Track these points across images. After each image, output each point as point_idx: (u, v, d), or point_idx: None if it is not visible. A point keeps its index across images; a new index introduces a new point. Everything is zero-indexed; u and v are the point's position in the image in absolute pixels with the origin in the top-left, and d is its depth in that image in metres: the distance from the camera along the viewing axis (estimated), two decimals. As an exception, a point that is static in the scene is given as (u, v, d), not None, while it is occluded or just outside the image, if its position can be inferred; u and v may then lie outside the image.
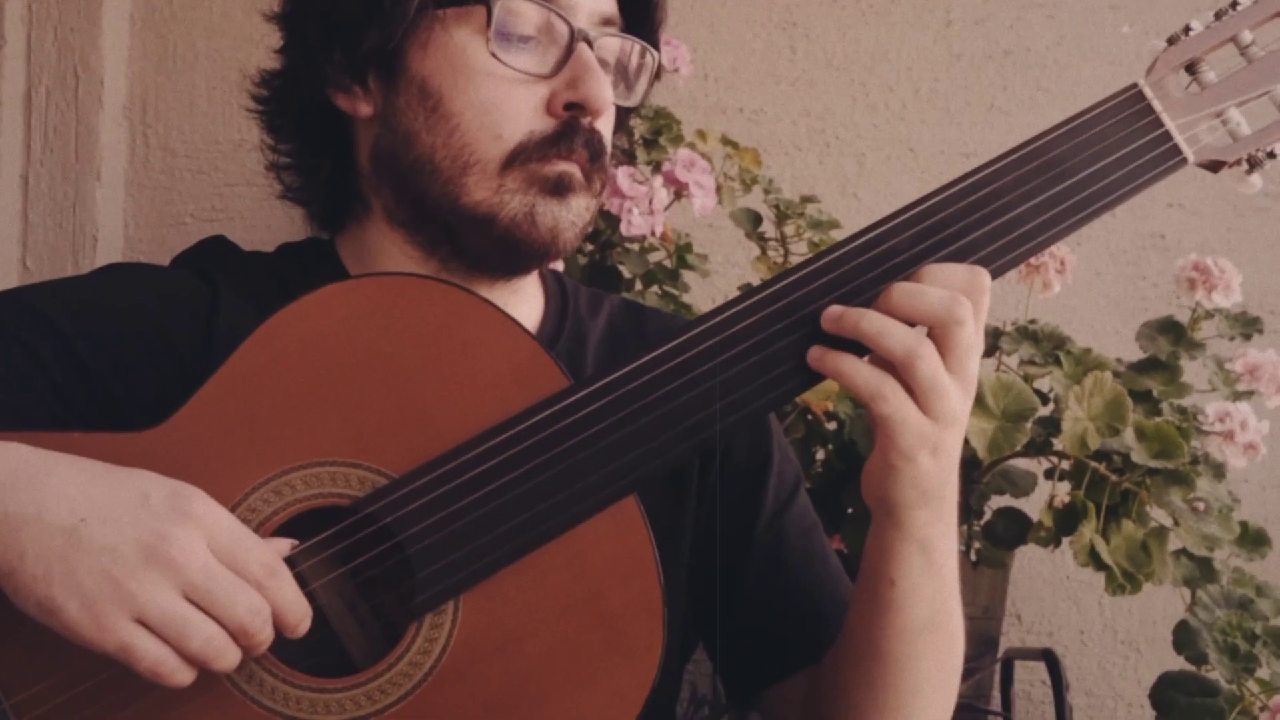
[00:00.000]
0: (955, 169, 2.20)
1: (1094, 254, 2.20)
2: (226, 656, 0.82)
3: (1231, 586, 1.72)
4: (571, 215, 1.03)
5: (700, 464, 1.12)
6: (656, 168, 1.80)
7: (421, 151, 1.02)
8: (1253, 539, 1.78)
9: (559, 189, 1.02)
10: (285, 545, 0.87)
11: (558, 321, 1.14)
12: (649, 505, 0.99)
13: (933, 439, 0.89)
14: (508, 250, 1.03)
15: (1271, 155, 1.01)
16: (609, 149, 1.09)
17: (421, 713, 0.87)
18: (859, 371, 0.89)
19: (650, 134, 1.85)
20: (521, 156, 1.01)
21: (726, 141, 1.90)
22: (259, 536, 0.85)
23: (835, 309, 0.91)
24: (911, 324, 0.89)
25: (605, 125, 1.07)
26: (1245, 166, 1.02)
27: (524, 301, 1.12)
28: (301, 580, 0.88)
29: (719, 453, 1.12)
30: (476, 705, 0.87)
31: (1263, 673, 1.65)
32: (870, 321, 0.89)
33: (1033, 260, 1.77)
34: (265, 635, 0.83)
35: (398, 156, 1.04)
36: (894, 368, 0.89)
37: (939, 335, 0.89)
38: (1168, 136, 0.96)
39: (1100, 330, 2.14)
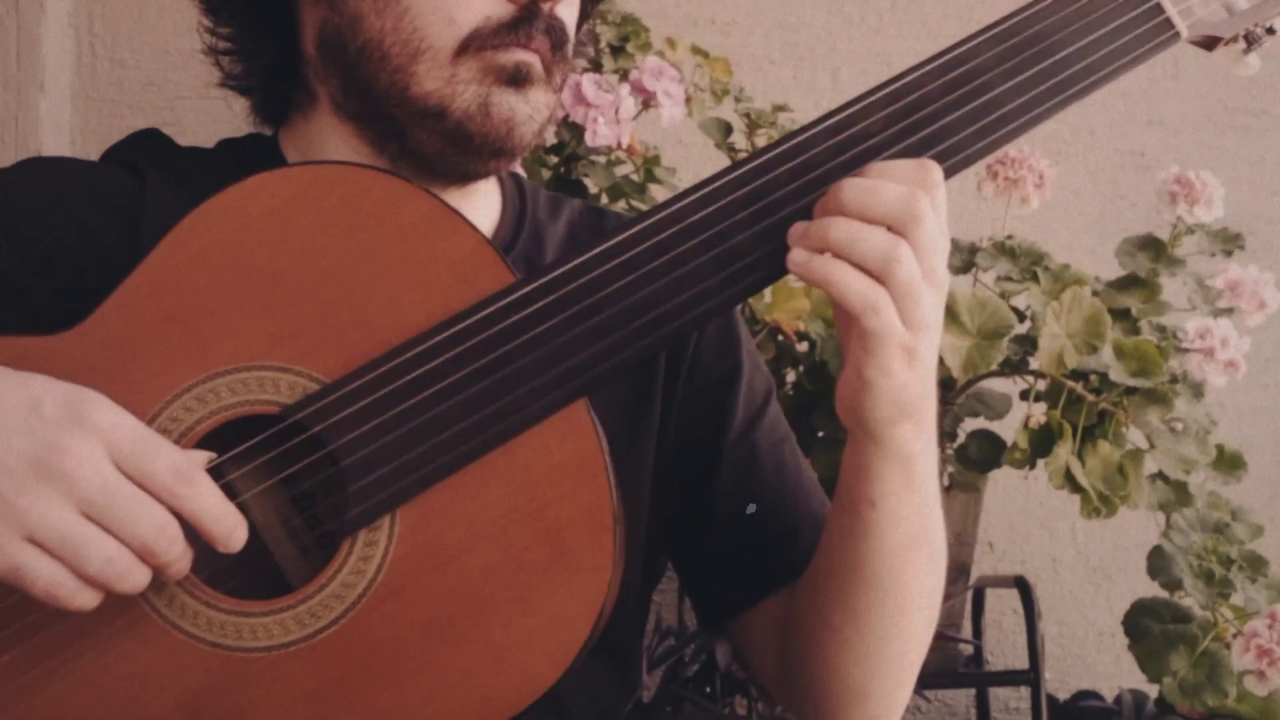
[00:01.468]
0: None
1: (1072, 172, 2.15)
2: (131, 578, 0.76)
3: (1207, 510, 1.68)
4: (529, 109, 0.96)
5: (665, 372, 1.06)
6: (624, 76, 1.73)
7: (370, 36, 0.95)
8: (1229, 462, 1.75)
9: (516, 80, 0.95)
10: (203, 457, 0.80)
11: (515, 224, 1.07)
12: (608, 416, 0.93)
13: (908, 346, 0.83)
14: (460, 145, 0.96)
15: (1271, 31, 0.94)
16: (572, 38, 1.02)
17: (355, 637, 0.81)
18: (853, 282, 0.82)
19: (617, 41, 1.78)
20: (476, 43, 0.94)
21: (697, 50, 1.83)
22: (171, 444, 0.78)
23: (799, 225, 0.85)
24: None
25: (568, 12, 1.00)
26: (1242, 44, 0.95)
27: (479, 205, 1.05)
28: (231, 492, 0.81)
29: (686, 360, 1.06)
30: (413, 627, 0.81)
31: (1237, 598, 1.62)
32: (839, 230, 0.82)
33: (1011, 174, 1.71)
34: (175, 554, 0.76)
35: (345, 41, 0.97)
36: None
37: (901, 235, 0.82)
38: (1159, 9, 0.90)
39: (1078, 249, 2.09)
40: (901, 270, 0.82)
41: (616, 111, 1.64)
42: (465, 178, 1.01)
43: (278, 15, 1.01)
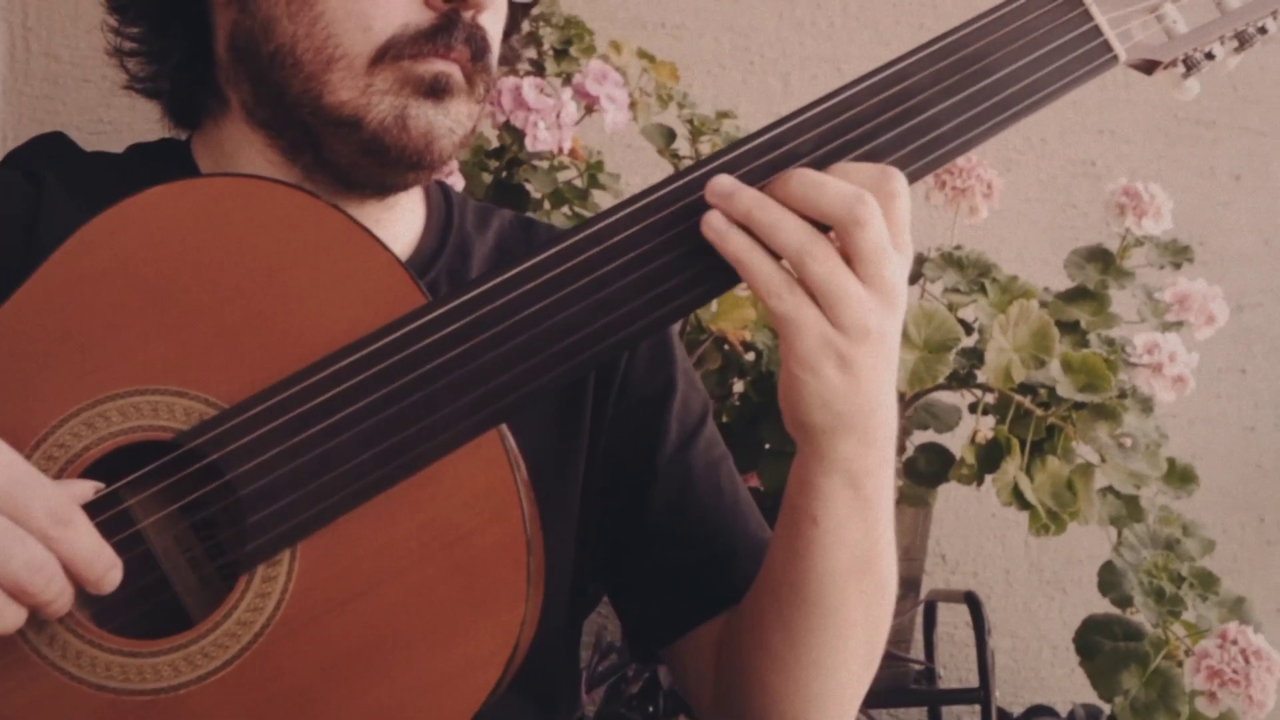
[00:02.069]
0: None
1: (1023, 181, 2.13)
2: (3, 618, 0.72)
3: (1158, 526, 1.66)
4: (449, 121, 0.93)
5: (595, 391, 1.02)
6: (567, 80, 1.70)
7: (282, 41, 0.91)
8: (1180, 476, 1.73)
9: (435, 90, 0.92)
10: (88, 488, 0.76)
11: (439, 237, 1.03)
12: (534, 437, 0.90)
13: (839, 349, 0.80)
14: (376, 157, 0.92)
15: (1210, 56, 0.92)
16: (495, 49, 0.98)
17: (249, 680, 0.77)
18: (759, 262, 0.79)
19: (561, 44, 1.74)
20: (393, 52, 0.91)
21: (643, 54, 1.79)
22: (49, 480, 0.74)
23: (727, 181, 0.81)
24: (811, 221, 0.80)
25: (492, 21, 0.97)
26: (1181, 69, 0.93)
27: (400, 217, 1.01)
28: (127, 519, 0.77)
29: (617, 379, 1.02)
30: (313, 669, 0.77)
31: (1189, 616, 1.59)
32: (766, 211, 0.79)
33: (959, 184, 1.68)
34: (51, 592, 0.72)
35: (257, 46, 0.93)
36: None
37: (841, 237, 0.80)
38: (1097, 32, 0.87)
39: (1029, 259, 2.07)
40: (815, 266, 0.78)
41: (558, 116, 1.60)
42: (383, 190, 0.97)
43: (188, 16, 0.97)
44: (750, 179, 0.81)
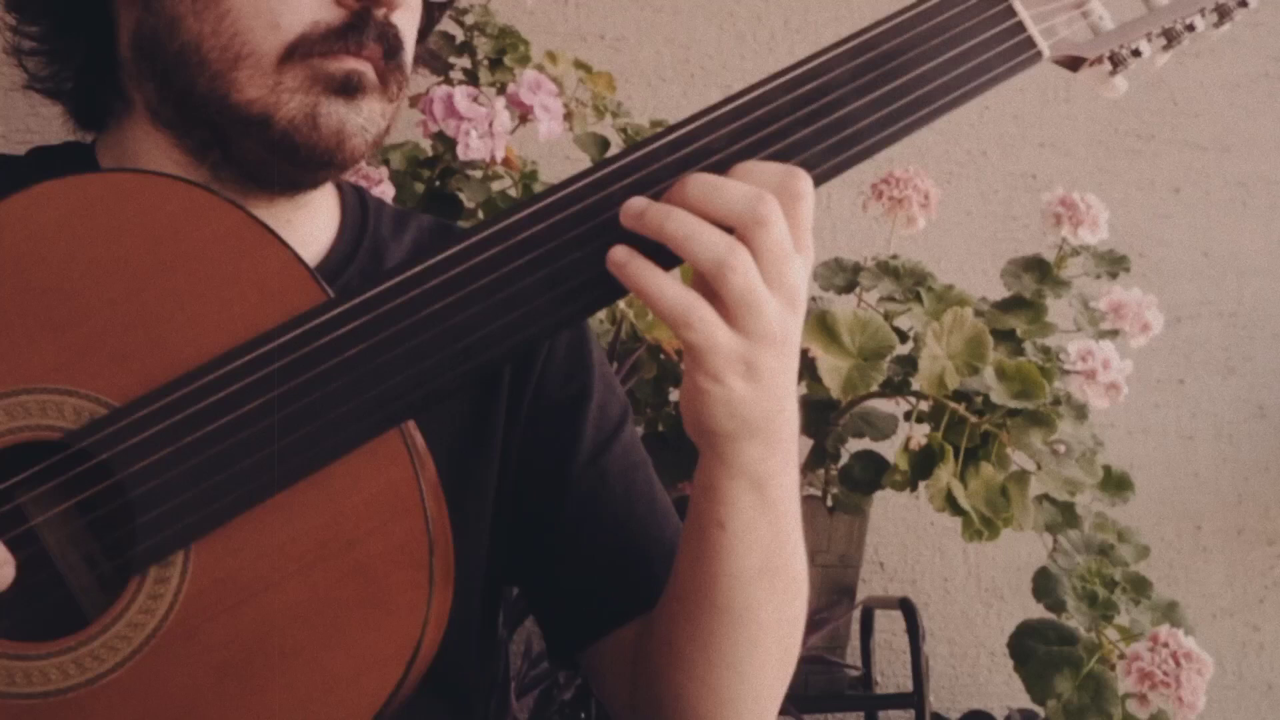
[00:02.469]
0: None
1: (963, 193, 2.14)
2: None
3: (1093, 532, 1.66)
4: (361, 119, 0.92)
5: (509, 393, 1.02)
6: (502, 89, 1.69)
7: (188, 39, 0.90)
8: (1116, 482, 1.74)
9: (346, 89, 0.91)
10: None
11: (353, 240, 1.02)
12: (446, 438, 0.89)
13: (744, 358, 0.79)
14: (286, 157, 0.91)
15: (1136, 53, 0.92)
16: (409, 47, 0.97)
17: (143, 683, 0.76)
18: (665, 291, 0.78)
19: (495, 54, 1.74)
20: (303, 50, 0.90)
21: (579, 65, 1.79)
22: None
23: (638, 201, 0.79)
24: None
25: (405, 20, 0.96)
26: (1108, 66, 0.92)
27: (312, 218, 1.00)
28: (21, 517, 0.76)
29: (532, 381, 1.02)
30: (208, 672, 0.76)
31: (1122, 620, 1.60)
32: (677, 223, 0.78)
33: (896, 194, 1.69)
34: None
35: (161, 44, 0.92)
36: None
37: (743, 239, 0.78)
38: (1020, 27, 0.86)
39: (969, 271, 2.08)
40: (736, 279, 0.77)
41: (490, 125, 1.59)
42: (293, 188, 0.96)
43: (90, 15, 0.95)
44: (659, 177, 0.81)
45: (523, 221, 0.80)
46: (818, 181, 0.83)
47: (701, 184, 0.79)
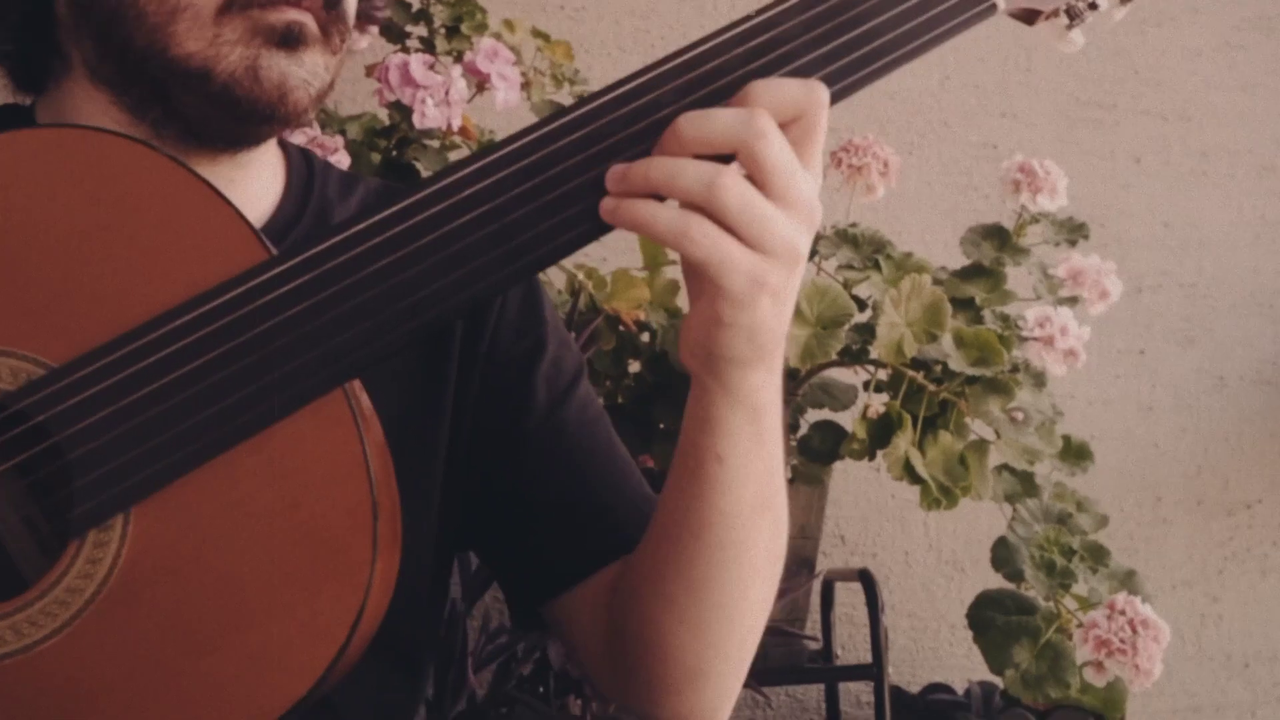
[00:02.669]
0: (785, 72, 2.12)
1: (925, 164, 2.14)
2: None
3: (1052, 501, 1.66)
4: (304, 72, 0.90)
5: (461, 352, 1.00)
6: (458, 58, 1.67)
7: None
8: (1075, 452, 1.73)
9: (288, 40, 0.89)
10: None
11: (299, 202, 1.01)
12: (394, 400, 0.87)
13: (771, 279, 0.77)
14: (227, 111, 0.90)
15: (1093, 6, 0.90)
16: None
17: (81, 649, 0.74)
18: (657, 215, 0.76)
19: (451, 22, 1.72)
20: (241, 1, 0.88)
21: (537, 34, 1.77)
22: None
23: (618, 168, 0.78)
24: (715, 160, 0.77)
25: None
26: (1065, 19, 0.91)
27: (256, 177, 0.98)
28: None
29: (485, 339, 1.00)
30: (147, 638, 0.74)
31: (1080, 589, 1.60)
32: (659, 167, 0.76)
33: (855, 162, 1.67)
34: None
35: (97, 0, 0.90)
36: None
37: (746, 159, 0.76)
38: None
39: (930, 242, 2.07)
40: (728, 194, 0.75)
41: (447, 93, 1.58)
42: (236, 144, 0.94)
43: None
44: (610, 130, 0.79)
45: (469, 177, 0.78)
46: (835, 99, 0.80)
47: (691, 119, 0.77)
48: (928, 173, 2.13)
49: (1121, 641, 1.46)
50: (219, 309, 0.76)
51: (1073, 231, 1.73)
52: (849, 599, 1.94)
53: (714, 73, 0.80)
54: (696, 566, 0.89)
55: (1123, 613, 1.47)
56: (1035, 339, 1.51)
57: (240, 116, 0.90)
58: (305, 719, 0.82)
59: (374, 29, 1.84)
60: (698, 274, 0.78)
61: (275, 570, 0.75)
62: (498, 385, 1.01)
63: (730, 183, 0.76)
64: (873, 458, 1.55)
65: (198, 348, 0.76)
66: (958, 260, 1.71)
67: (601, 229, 0.79)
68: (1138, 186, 2.19)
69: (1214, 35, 2.21)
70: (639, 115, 0.80)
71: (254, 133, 0.94)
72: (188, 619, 0.74)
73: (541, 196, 0.78)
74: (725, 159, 0.78)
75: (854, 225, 1.67)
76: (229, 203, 0.78)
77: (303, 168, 1.04)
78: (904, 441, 1.51)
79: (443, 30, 1.73)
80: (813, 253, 1.66)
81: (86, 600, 0.75)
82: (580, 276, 1.68)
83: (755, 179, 0.77)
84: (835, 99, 0.82)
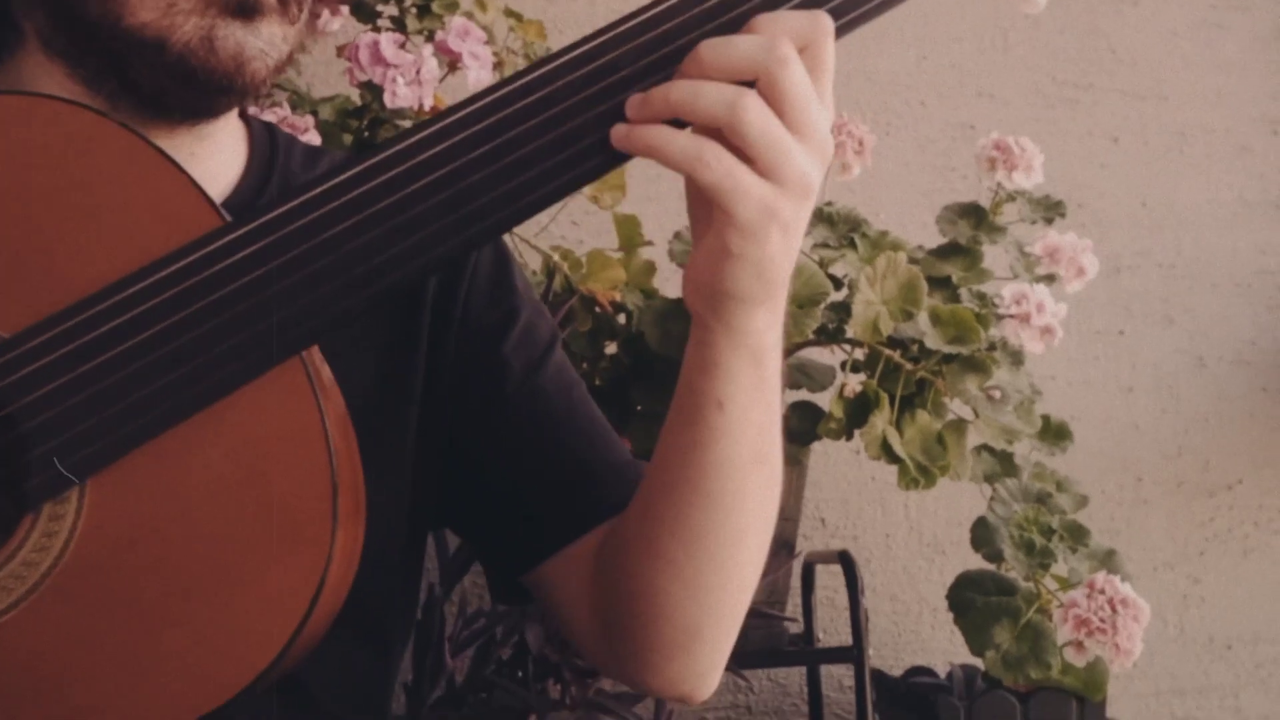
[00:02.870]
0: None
1: (901, 144, 2.12)
2: None
3: (1031, 481, 1.65)
4: (261, 43, 0.88)
5: (431, 323, 0.99)
6: (430, 37, 1.66)
7: None
8: (1055, 432, 1.73)
9: (244, 10, 0.87)
10: None
11: (262, 175, 0.99)
12: (362, 371, 0.86)
13: (782, 210, 0.75)
14: (183, 83, 0.88)
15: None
16: None
17: (37, 624, 0.73)
18: (672, 139, 0.75)
19: (422, 0, 1.70)
20: None
21: (510, 13, 1.76)
22: None
23: (637, 96, 0.77)
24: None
25: None
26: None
27: (217, 151, 0.97)
28: None
29: (457, 310, 0.99)
30: (105, 612, 0.73)
31: (1060, 569, 1.59)
32: (680, 89, 0.75)
33: (830, 140, 1.66)
34: None
35: None
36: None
37: (766, 86, 0.75)
38: None
39: (907, 222, 2.05)
40: (751, 117, 0.74)
41: (418, 72, 1.56)
42: (194, 115, 0.93)
43: None
44: (568, 92, 0.78)
45: (426, 140, 0.77)
46: (840, 32, 0.79)
47: (713, 45, 0.76)
48: (904, 153, 2.11)
49: (1101, 621, 1.45)
50: (173, 276, 0.75)
51: (1049, 210, 1.72)
52: (830, 582, 1.93)
53: (673, 33, 0.79)
54: (693, 519, 0.87)
55: (1102, 591, 1.47)
56: (1012, 316, 1.49)
57: (196, 87, 0.88)
58: (276, 696, 0.81)
59: (345, 9, 1.83)
60: (707, 203, 0.77)
61: (233, 542, 0.74)
62: (471, 355, 0.99)
63: (753, 104, 0.75)
64: (850, 437, 1.54)
65: (152, 315, 0.75)
66: (934, 239, 1.70)
67: (562, 192, 0.78)
68: (1115, 166, 2.18)
69: (1191, 14, 2.20)
70: (597, 77, 0.78)
71: (211, 104, 0.92)
72: (145, 592, 0.73)
73: (497, 161, 0.77)
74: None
75: (829, 204, 1.65)
76: (183, 170, 0.77)
77: (266, 142, 1.02)
78: (881, 420, 1.50)
79: (414, 9, 1.71)
80: (788, 232, 1.65)
81: (42, 574, 0.73)
82: (555, 258, 1.67)
83: (774, 107, 0.76)
84: (840, 32, 0.80)
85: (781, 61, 0.75)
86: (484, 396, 0.99)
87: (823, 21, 0.77)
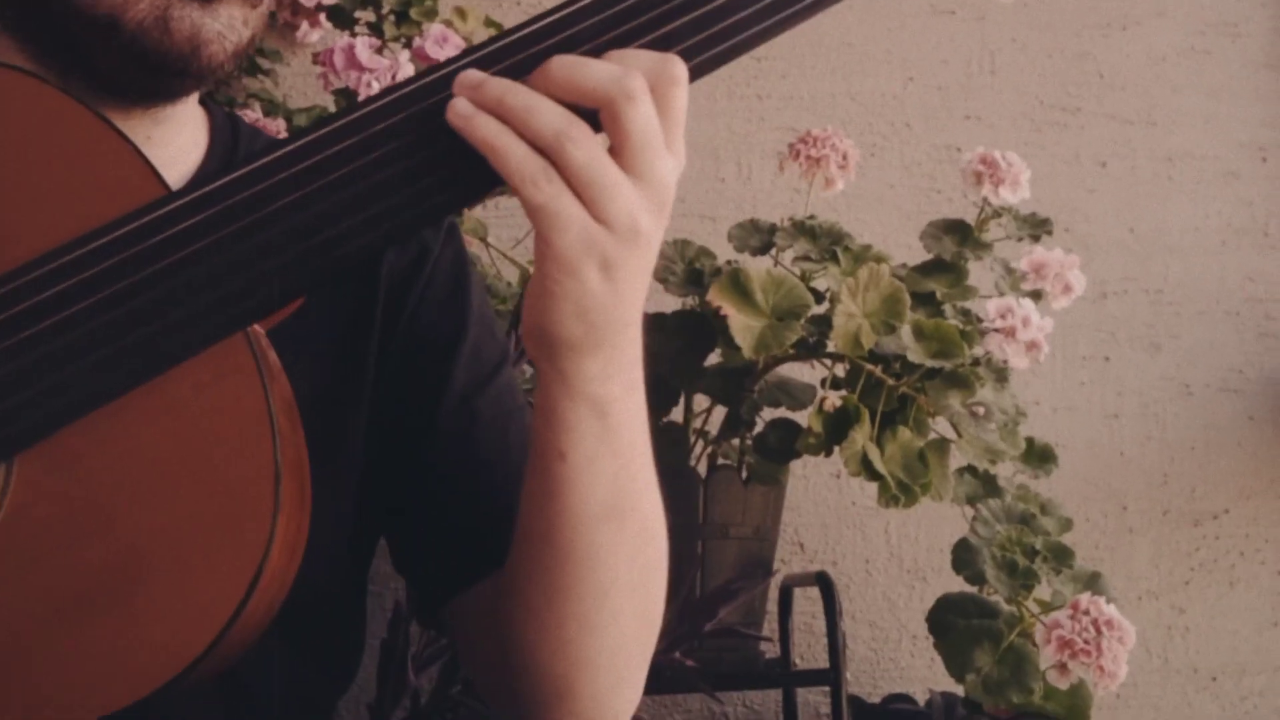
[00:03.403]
0: (744, 72, 2.09)
1: (887, 166, 2.10)
2: None
3: (1014, 502, 1.62)
4: (219, 25, 0.85)
5: (383, 322, 0.96)
6: (408, 44, 1.63)
7: None
8: (1039, 455, 1.70)
9: None
10: None
11: (223, 164, 0.95)
12: (312, 375, 0.83)
13: (603, 249, 0.72)
14: (137, 64, 0.85)
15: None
16: None
17: None
18: (512, 147, 0.72)
19: (400, 7, 1.68)
20: None
21: (490, 23, 1.74)
22: None
23: (474, 74, 0.73)
24: (578, 109, 0.73)
25: None
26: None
27: (175, 136, 0.94)
28: None
29: (407, 312, 0.96)
30: (32, 593, 0.69)
31: (1043, 591, 1.56)
32: (517, 95, 0.72)
33: (813, 153, 1.64)
34: None
35: None
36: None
37: (609, 119, 0.73)
38: None
39: (892, 245, 2.01)
40: (577, 151, 0.71)
41: (394, 77, 1.53)
42: (149, 98, 0.89)
43: None
44: (520, 69, 0.75)
45: (375, 114, 0.74)
46: (693, 75, 0.77)
47: (565, 62, 0.73)
48: (890, 174, 2.09)
49: (1085, 642, 1.42)
50: (112, 245, 0.72)
51: (1036, 227, 1.69)
52: (808, 608, 1.89)
53: (633, 10, 0.76)
54: (550, 572, 0.84)
55: (1086, 612, 1.43)
56: (997, 330, 1.46)
57: (151, 69, 0.85)
58: (223, 701, 0.77)
59: (325, 20, 1.80)
60: (536, 228, 0.74)
61: (169, 524, 0.70)
62: (414, 366, 0.96)
63: (581, 137, 0.72)
64: (829, 453, 1.51)
65: (89, 286, 0.71)
66: (920, 260, 1.68)
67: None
68: (1103, 191, 2.16)
69: (1179, 39, 2.19)
70: (555, 51, 0.75)
71: (167, 86, 0.89)
72: (73, 574, 0.69)
73: (444, 140, 0.74)
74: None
75: (812, 218, 1.63)
76: (125, 138, 0.74)
77: (227, 129, 0.99)
78: (861, 436, 1.47)
79: (391, 16, 1.69)
80: (770, 245, 1.62)
81: None
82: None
83: (614, 142, 0.73)
84: (694, 75, 0.77)
85: (629, 95, 0.72)
86: (419, 412, 0.96)
87: (674, 65, 0.74)
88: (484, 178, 0.73)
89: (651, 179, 0.73)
